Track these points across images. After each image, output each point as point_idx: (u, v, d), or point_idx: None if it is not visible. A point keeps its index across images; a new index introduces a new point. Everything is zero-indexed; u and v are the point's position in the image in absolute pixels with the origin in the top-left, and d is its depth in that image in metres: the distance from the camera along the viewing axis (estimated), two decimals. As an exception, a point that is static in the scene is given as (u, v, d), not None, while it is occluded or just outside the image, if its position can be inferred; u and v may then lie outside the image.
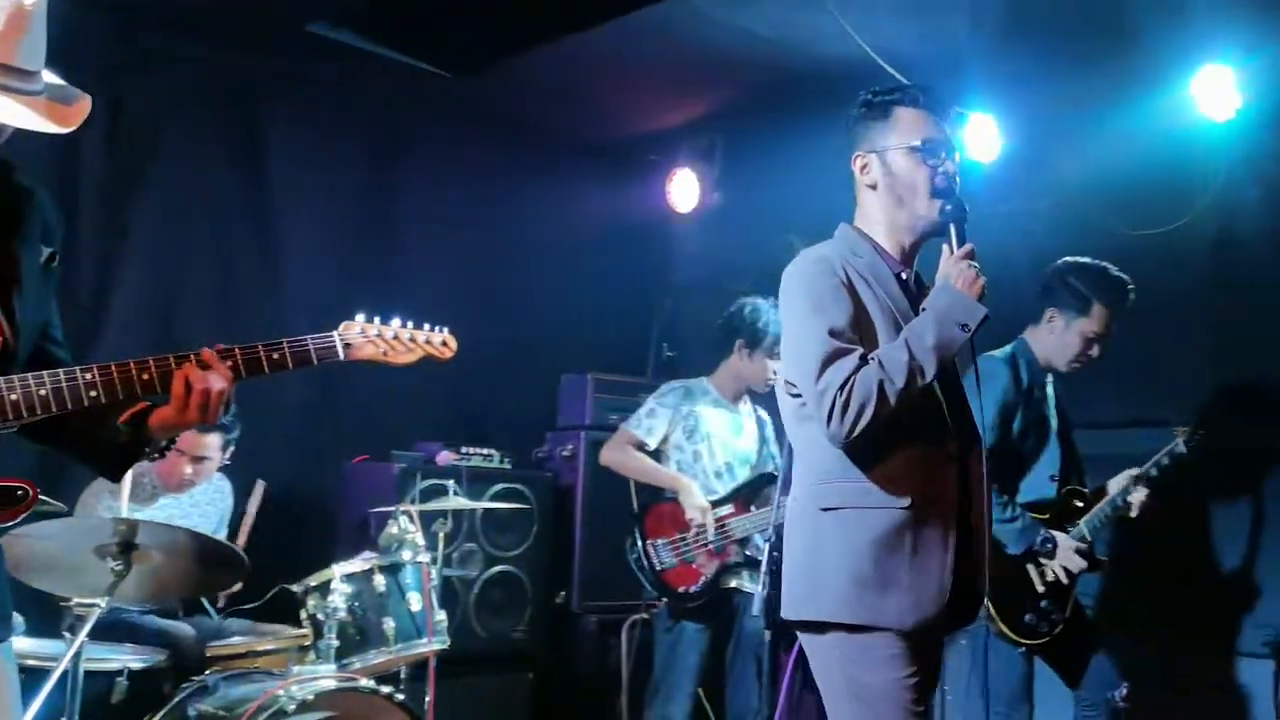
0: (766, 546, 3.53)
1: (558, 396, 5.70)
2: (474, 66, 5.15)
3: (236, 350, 1.97)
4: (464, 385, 5.68)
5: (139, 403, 1.97)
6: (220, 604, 4.03)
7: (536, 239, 5.93)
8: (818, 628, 2.37)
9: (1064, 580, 3.54)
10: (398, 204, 5.53)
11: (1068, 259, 3.71)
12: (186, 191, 4.87)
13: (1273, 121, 3.98)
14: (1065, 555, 3.53)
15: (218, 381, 1.91)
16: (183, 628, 3.68)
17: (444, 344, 2.23)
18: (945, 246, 2.43)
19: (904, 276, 2.49)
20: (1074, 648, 3.62)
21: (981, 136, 4.63)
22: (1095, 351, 3.65)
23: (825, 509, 2.37)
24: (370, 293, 5.09)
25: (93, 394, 1.84)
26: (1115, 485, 3.69)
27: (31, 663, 2.98)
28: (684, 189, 6.04)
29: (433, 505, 4.04)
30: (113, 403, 1.89)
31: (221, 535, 4.04)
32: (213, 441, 3.82)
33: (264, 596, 4.10)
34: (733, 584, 4.00)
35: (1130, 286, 3.63)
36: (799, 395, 2.41)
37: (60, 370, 1.84)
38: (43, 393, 1.81)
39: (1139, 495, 3.64)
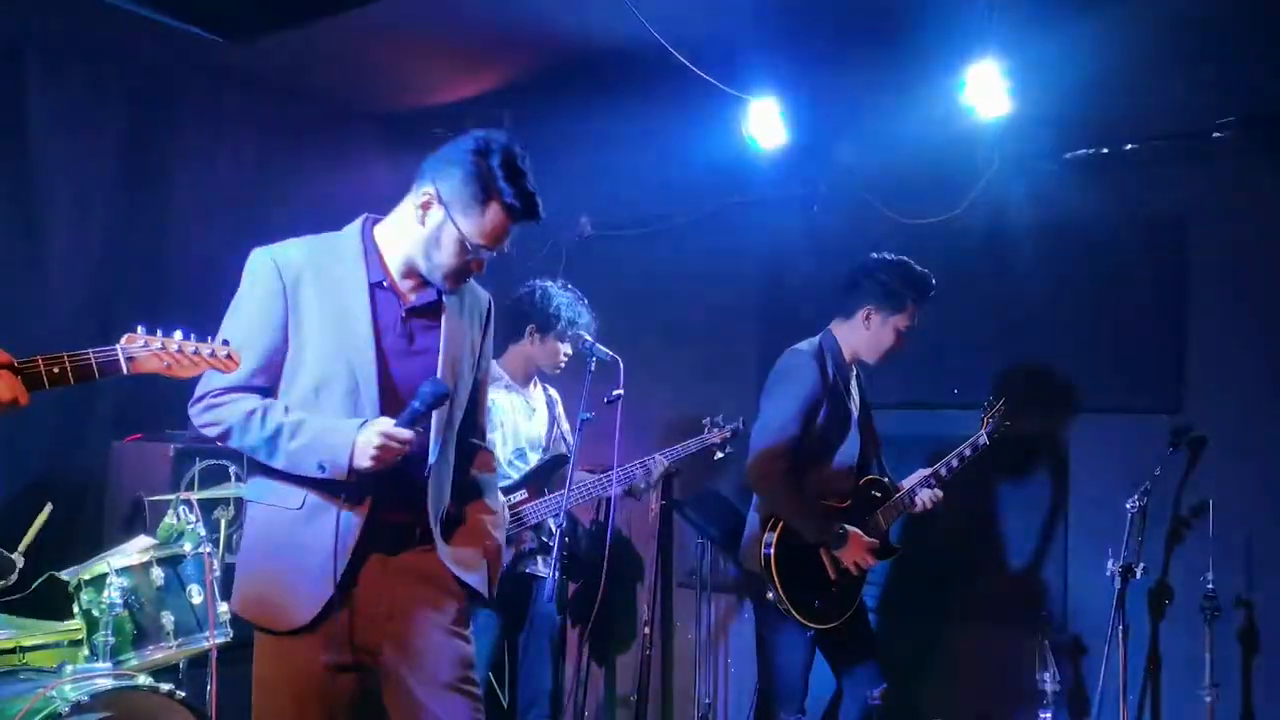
0: (558, 532, 3.59)
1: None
2: (249, 32, 4.93)
3: (14, 363, 1.91)
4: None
5: None
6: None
7: (317, 214, 5.68)
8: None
9: (854, 571, 3.73)
10: (170, 173, 5.22)
11: (875, 256, 3.86)
12: None
13: (1039, 117, 4.21)
14: (857, 551, 3.70)
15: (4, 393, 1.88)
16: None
17: (228, 357, 2.24)
18: (402, 417, 2.45)
19: (384, 284, 2.57)
20: (851, 641, 3.82)
21: (765, 122, 4.76)
22: (903, 345, 3.84)
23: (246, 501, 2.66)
24: (139, 267, 4.95)
25: None
26: (909, 483, 3.89)
27: None
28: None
29: (214, 492, 3.88)
30: None
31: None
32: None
33: (29, 587, 3.85)
34: (526, 570, 4.03)
35: (933, 281, 3.82)
36: None
37: None
38: None
39: (926, 495, 3.86)
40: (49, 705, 2.98)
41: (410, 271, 2.59)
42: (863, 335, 3.82)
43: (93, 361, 2.00)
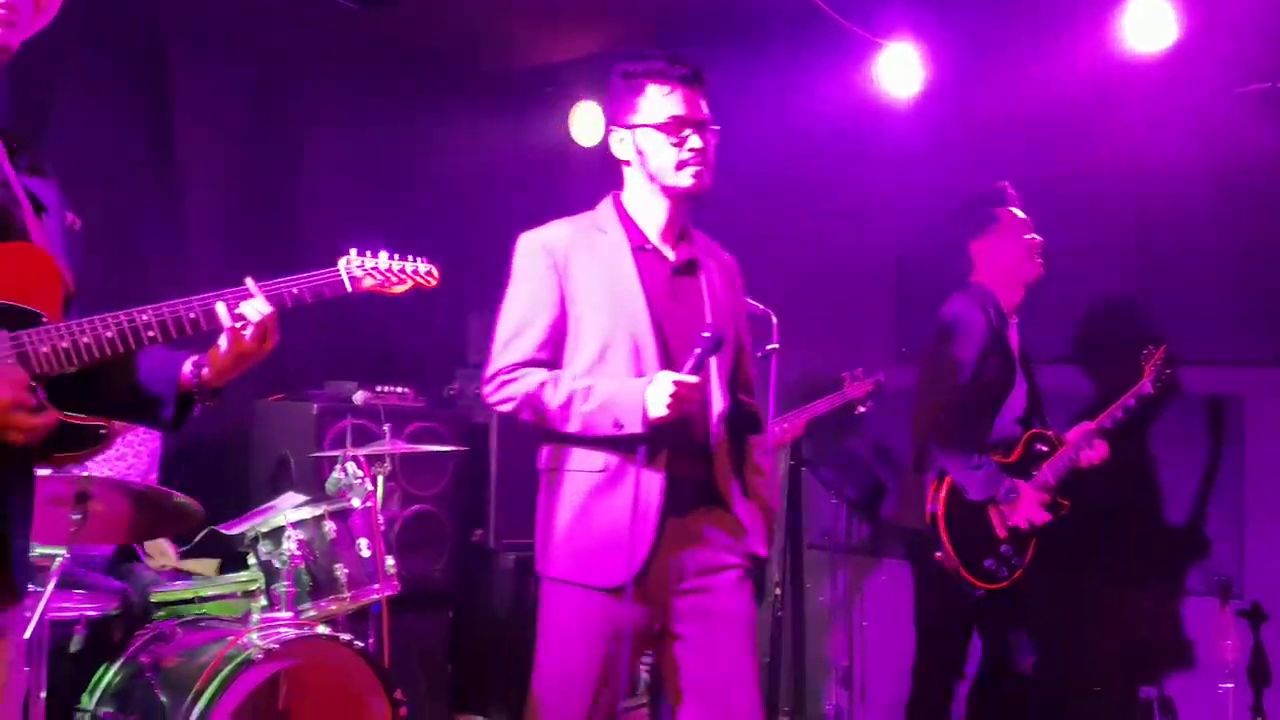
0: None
1: (463, 333, 5.59)
2: (379, -1, 4.96)
3: (264, 285, 1.95)
4: (365, 321, 5.54)
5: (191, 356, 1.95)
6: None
7: (443, 172, 5.79)
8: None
9: (1025, 528, 3.63)
10: (301, 141, 5.33)
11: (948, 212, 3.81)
12: (87, 136, 4.56)
13: (1206, 51, 3.99)
14: (1030, 507, 3.62)
15: (264, 308, 1.91)
16: (131, 576, 3.52)
17: (429, 274, 2.28)
18: (688, 365, 2.47)
19: (646, 248, 2.61)
20: (1012, 606, 3.71)
21: (900, 67, 4.66)
22: (1034, 238, 3.73)
23: (541, 469, 2.64)
24: (276, 232, 5.02)
25: (150, 334, 1.81)
26: (1073, 436, 3.76)
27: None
28: (587, 122, 5.95)
29: (375, 449, 3.91)
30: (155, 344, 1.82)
31: (153, 478, 3.86)
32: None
33: (192, 540, 3.94)
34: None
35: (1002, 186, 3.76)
36: None
37: (116, 313, 1.79)
38: (109, 334, 1.76)
39: (1095, 452, 3.72)
40: (242, 653, 3.04)
41: (665, 227, 2.65)
42: (995, 270, 3.75)
43: (322, 281, 2.05)
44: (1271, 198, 4.00)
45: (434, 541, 4.97)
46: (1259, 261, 4.04)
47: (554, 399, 2.49)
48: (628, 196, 2.70)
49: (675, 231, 2.66)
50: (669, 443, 2.50)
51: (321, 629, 3.32)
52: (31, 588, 2.97)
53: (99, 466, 3.49)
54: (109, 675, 3.15)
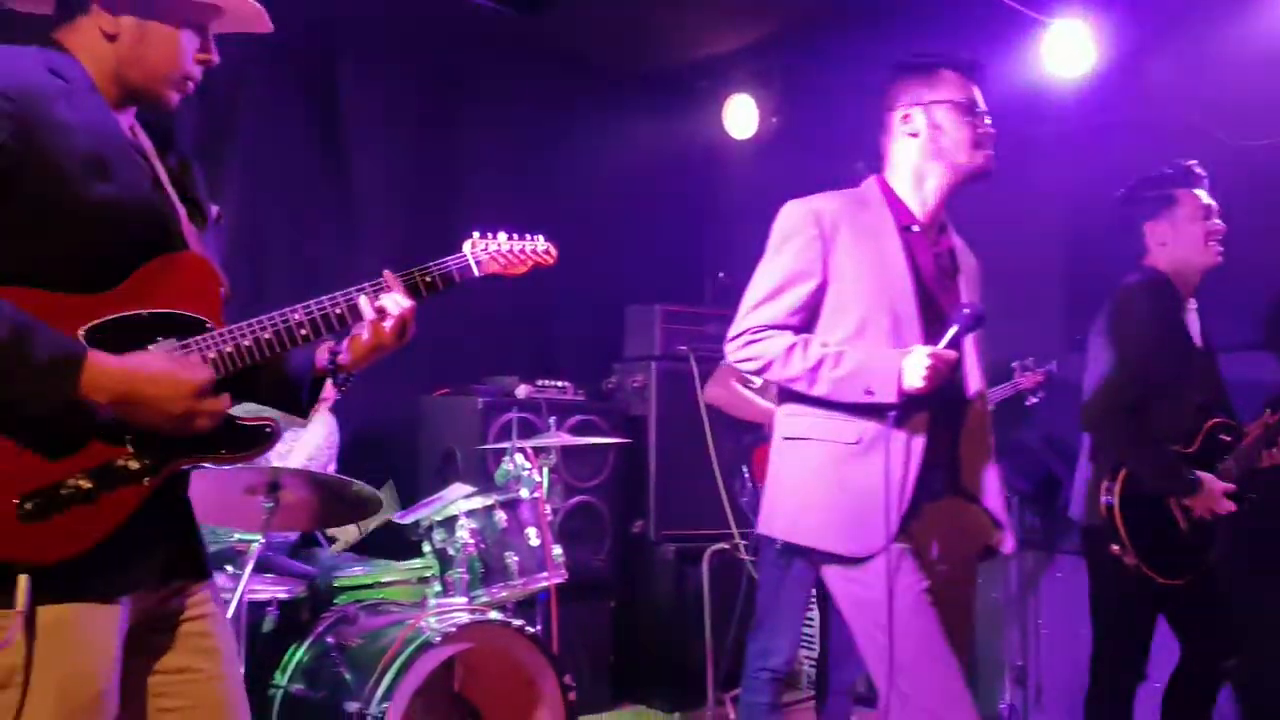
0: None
1: (619, 327, 5.65)
2: (534, 3, 5.05)
3: (401, 276, 2.01)
4: (523, 317, 5.67)
5: (326, 342, 2.03)
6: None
7: (596, 170, 5.87)
8: (787, 548, 2.69)
9: (1208, 518, 3.43)
10: (461, 143, 5.49)
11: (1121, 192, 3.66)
12: (270, 150, 4.84)
13: None
14: (1213, 498, 3.41)
15: (404, 301, 1.98)
16: (313, 560, 3.69)
17: (546, 251, 2.31)
18: (946, 339, 2.49)
19: (914, 229, 2.63)
20: (1201, 602, 3.51)
21: (1070, 44, 4.52)
22: (1216, 224, 3.54)
23: (786, 438, 2.63)
24: (438, 231, 5.17)
25: (303, 333, 1.89)
26: (1257, 428, 3.54)
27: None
28: (741, 115, 5.94)
29: (542, 441, 3.99)
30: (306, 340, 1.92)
31: (332, 469, 4.02)
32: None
33: (367, 530, 4.09)
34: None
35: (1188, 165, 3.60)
36: None
37: (269, 315, 1.87)
38: (266, 336, 1.85)
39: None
40: (420, 635, 3.14)
41: (932, 211, 2.69)
42: (1171, 250, 3.56)
43: (451, 267, 2.09)
44: None
45: (595, 532, 5.04)
46: None
47: (802, 362, 2.51)
48: (896, 178, 2.71)
49: (939, 218, 2.70)
50: (925, 420, 2.50)
51: (494, 614, 3.40)
52: (230, 570, 3.16)
53: (282, 455, 3.65)
54: (299, 654, 3.30)
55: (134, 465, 1.66)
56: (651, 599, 5.20)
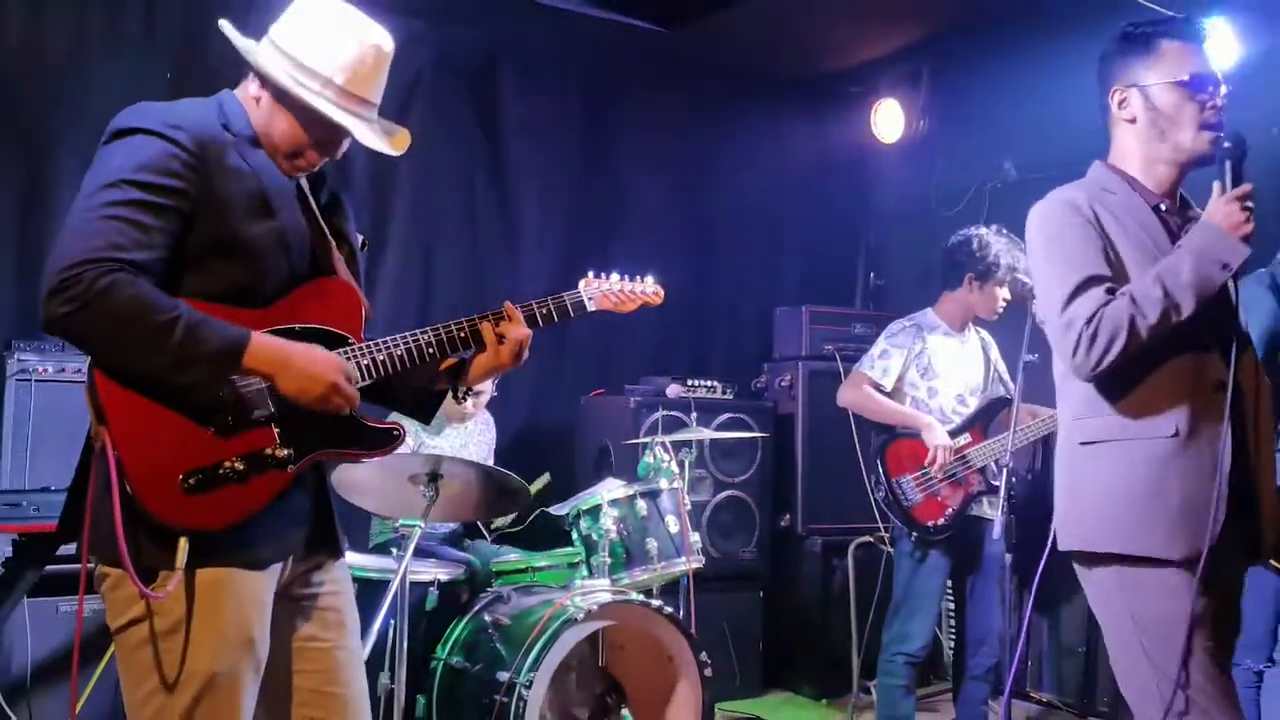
0: (1004, 472, 3.67)
1: (772, 329, 5.90)
2: (685, 18, 5.34)
3: (520, 308, 2.31)
4: (681, 321, 5.98)
5: (450, 359, 2.33)
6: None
7: (747, 178, 6.14)
8: (1089, 559, 2.40)
9: None
10: (618, 157, 5.82)
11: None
12: (438, 168, 5.24)
13: None
14: None
15: (521, 330, 2.28)
16: (474, 548, 4.09)
17: (655, 292, 2.55)
18: (1216, 184, 2.35)
19: (1163, 208, 2.46)
20: None
21: (1219, 41, 4.51)
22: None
23: (1084, 443, 2.40)
24: (595, 244, 5.55)
25: (431, 350, 2.20)
26: None
27: (373, 575, 3.42)
28: (889, 119, 6.10)
29: (680, 435, 4.29)
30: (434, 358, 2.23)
31: (490, 462, 4.43)
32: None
33: (526, 521, 4.48)
34: (975, 511, 4.12)
35: None
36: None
37: (407, 333, 2.19)
38: (399, 351, 2.16)
39: None
40: (565, 613, 3.49)
41: (1168, 191, 2.49)
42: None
43: (566, 302, 2.38)
44: None
45: (744, 525, 5.30)
46: None
47: (1149, 296, 2.26)
48: (1125, 165, 2.52)
49: (1176, 196, 2.51)
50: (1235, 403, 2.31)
51: (635, 595, 3.71)
52: (395, 552, 3.57)
53: (445, 450, 4.07)
54: (458, 630, 3.70)
55: (280, 454, 2.00)
56: (799, 589, 5.42)
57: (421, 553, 3.77)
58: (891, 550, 4.44)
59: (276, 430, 2.01)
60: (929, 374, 4.24)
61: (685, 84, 5.96)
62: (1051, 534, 3.57)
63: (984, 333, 4.43)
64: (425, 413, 2.38)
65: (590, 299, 2.42)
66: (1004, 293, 4.18)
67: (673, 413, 4.98)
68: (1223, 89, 2.42)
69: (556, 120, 5.60)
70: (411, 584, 3.40)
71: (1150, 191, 2.47)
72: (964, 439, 4.15)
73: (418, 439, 4.20)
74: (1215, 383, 2.33)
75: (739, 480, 5.29)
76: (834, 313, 5.82)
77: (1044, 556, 3.56)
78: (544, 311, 2.34)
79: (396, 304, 5.07)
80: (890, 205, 6.50)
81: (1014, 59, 5.29)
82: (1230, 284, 2.32)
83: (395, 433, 2.17)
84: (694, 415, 4.84)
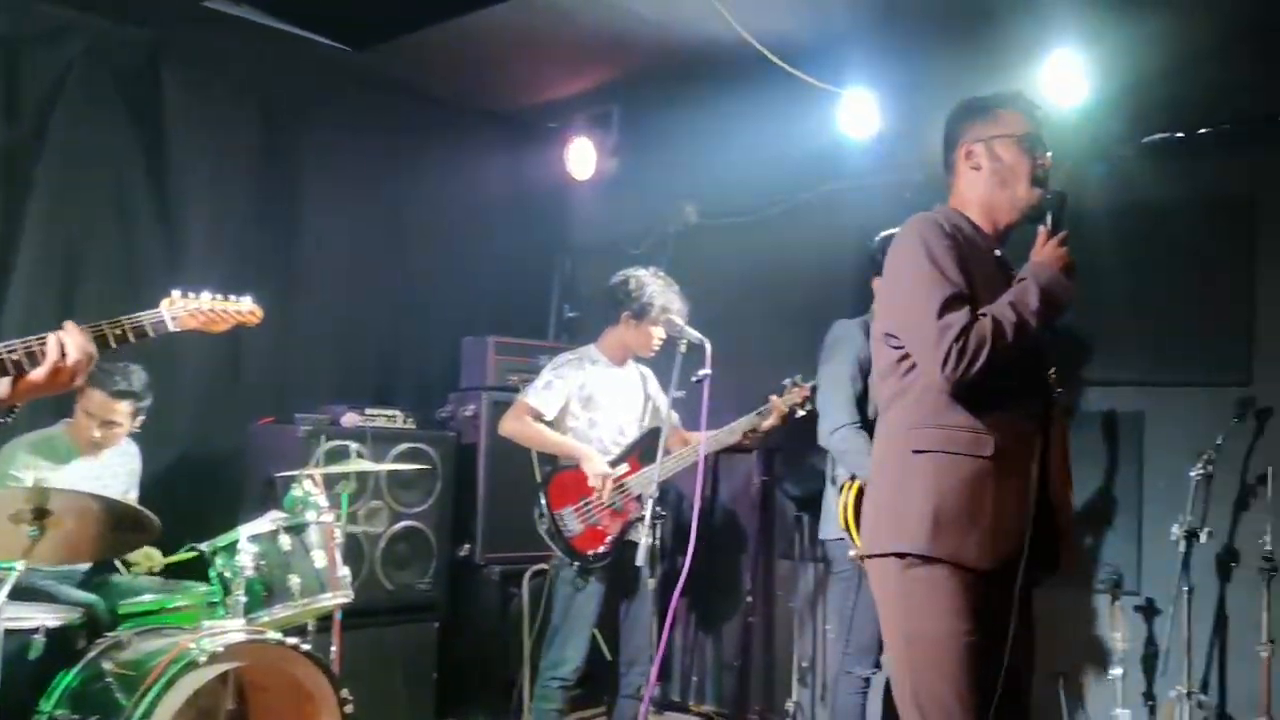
0: (650, 501, 3.82)
1: (459, 359, 5.91)
2: (371, 41, 5.28)
3: (88, 328, 2.20)
4: (368, 348, 5.90)
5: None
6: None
7: (439, 205, 6.11)
8: (889, 561, 2.58)
9: None
10: (300, 172, 5.62)
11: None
12: (87, 165, 4.89)
13: (1116, 103, 4.32)
14: None
15: (87, 348, 2.16)
16: (106, 588, 3.86)
17: (251, 312, 2.51)
18: (1041, 229, 2.65)
19: (998, 254, 2.72)
20: None
21: (858, 112, 4.90)
22: None
23: (917, 451, 2.57)
24: (273, 260, 5.38)
25: None
26: None
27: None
28: (581, 156, 6.23)
29: (335, 469, 4.22)
30: None
31: (132, 496, 4.20)
32: (122, 408, 4.00)
33: (170, 558, 4.28)
34: (632, 536, 4.22)
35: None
36: (900, 346, 2.63)
37: None
38: None
39: None
40: (187, 655, 3.34)
41: (998, 234, 2.76)
42: None
43: (145, 323, 2.30)
44: (1167, 238, 4.33)
45: (420, 556, 5.25)
46: (1154, 294, 4.34)
47: (1006, 318, 2.50)
48: (966, 209, 2.76)
49: (1001, 240, 2.76)
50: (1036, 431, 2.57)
51: (272, 635, 3.61)
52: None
53: (72, 483, 3.82)
54: (67, 679, 3.41)
55: None
56: (476, 619, 5.42)
57: (33, 595, 3.53)
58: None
59: None
60: (590, 406, 4.37)
61: (378, 107, 5.86)
62: (689, 553, 3.80)
63: (644, 367, 4.60)
64: None
65: (173, 319, 2.35)
66: (659, 331, 4.35)
67: (344, 442, 4.90)
68: (1049, 153, 2.73)
69: (231, 129, 5.36)
70: (8, 632, 3.15)
71: (988, 236, 2.73)
72: (623, 468, 4.29)
73: (36, 471, 3.91)
74: (1030, 414, 2.58)
75: (417, 510, 5.24)
76: (520, 344, 5.90)
77: (683, 576, 3.79)
78: (117, 332, 2.23)
79: (30, 308, 4.62)
80: (585, 240, 6.65)
81: (698, 109, 5.55)
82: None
83: None
84: (369, 446, 4.79)
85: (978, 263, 2.62)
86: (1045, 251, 2.62)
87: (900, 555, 2.55)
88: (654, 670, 3.89)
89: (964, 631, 2.48)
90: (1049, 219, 2.66)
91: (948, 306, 2.51)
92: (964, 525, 2.50)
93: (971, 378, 2.47)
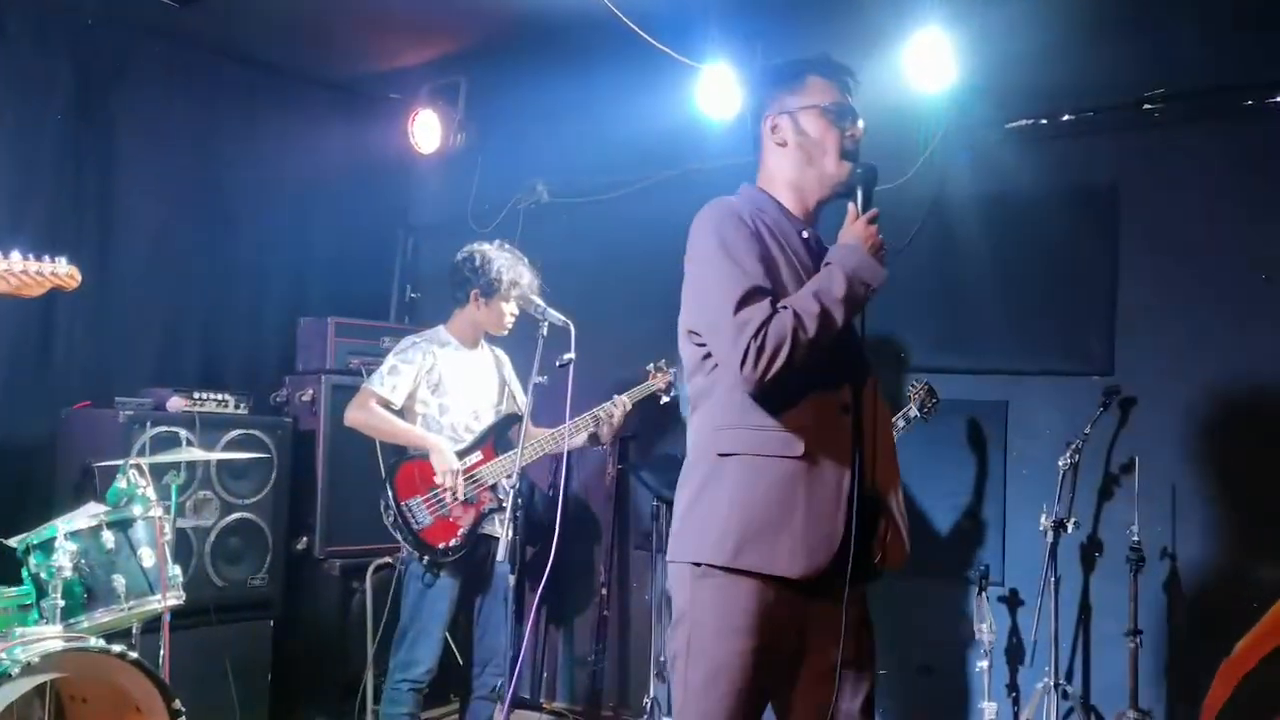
0: (511, 492, 3.64)
1: (295, 340, 5.58)
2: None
3: None
4: (195, 328, 5.51)
5: None
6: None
7: (270, 177, 5.75)
8: (684, 568, 2.43)
9: None
10: (115, 133, 5.18)
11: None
12: None
13: (982, 88, 4.32)
14: None
15: None
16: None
17: (69, 274, 2.30)
18: (851, 206, 2.50)
19: (805, 235, 2.55)
20: None
21: (717, 89, 4.81)
22: None
23: (722, 454, 2.42)
24: (86, 229, 4.95)
25: None
26: None
27: None
28: (427, 129, 5.97)
29: (164, 457, 3.88)
30: None
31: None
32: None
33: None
34: (486, 529, 4.06)
35: None
36: (704, 344, 2.45)
37: None
38: None
39: None
40: (-2, 668, 3.00)
41: (808, 214, 2.59)
42: None
43: None
44: (1030, 224, 4.34)
45: (254, 550, 4.93)
46: (1017, 281, 4.36)
47: (809, 311, 2.33)
48: (775, 190, 2.60)
49: (811, 219, 2.61)
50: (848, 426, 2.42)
51: (94, 641, 3.28)
52: None
53: None
54: None
55: None
56: (315, 616, 5.13)
57: None
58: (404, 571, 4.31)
59: None
60: (440, 390, 4.16)
61: (203, 69, 5.47)
62: (553, 548, 3.63)
63: (499, 350, 4.42)
64: None
65: None
66: (510, 308, 4.18)
67: (170, 428, 4.53)
68: (860, 122, 2.56)
69: (36, 83, 4.89)
70: None
71: (796, 218, 2.57)
72: (475, 457, 4.10)
73: None
74: (841, 406, 2.43)
75: (250, 501, 4.91)
76: (362, 325, 5.60)
77: (546, 571, 3.62)
78: None
79: None
80: (429, 217, 6.40)
81: (548, 84, 5.37)
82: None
83: None
84: (197, 432, 4.44)
85: (783, 249, 2.48)
86: (854, 231, 2.46)
87: (696, 564, 2.41)
88: (515, 671, 3.72)
89: (749, 650, 2.35)
90: (859, 195, 2.50)
91: (745, 301, 2.33)
92: (772, 533, 2.35)
93: (774, 375, 2.31)
